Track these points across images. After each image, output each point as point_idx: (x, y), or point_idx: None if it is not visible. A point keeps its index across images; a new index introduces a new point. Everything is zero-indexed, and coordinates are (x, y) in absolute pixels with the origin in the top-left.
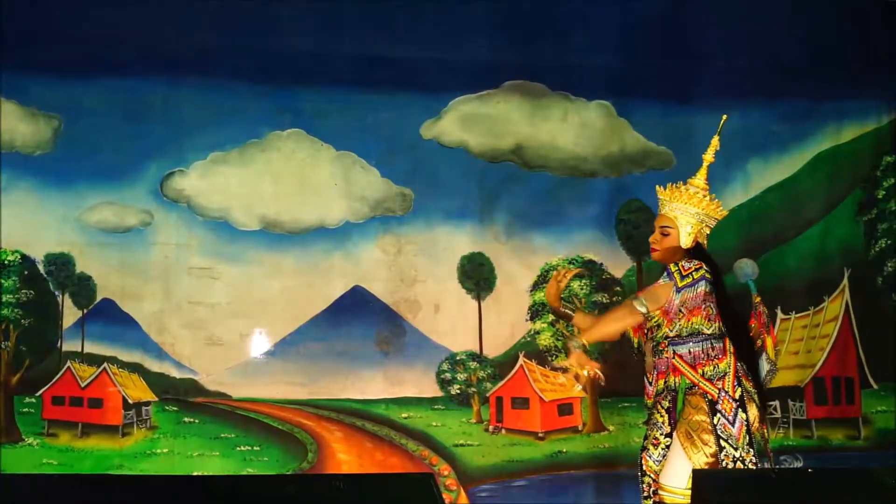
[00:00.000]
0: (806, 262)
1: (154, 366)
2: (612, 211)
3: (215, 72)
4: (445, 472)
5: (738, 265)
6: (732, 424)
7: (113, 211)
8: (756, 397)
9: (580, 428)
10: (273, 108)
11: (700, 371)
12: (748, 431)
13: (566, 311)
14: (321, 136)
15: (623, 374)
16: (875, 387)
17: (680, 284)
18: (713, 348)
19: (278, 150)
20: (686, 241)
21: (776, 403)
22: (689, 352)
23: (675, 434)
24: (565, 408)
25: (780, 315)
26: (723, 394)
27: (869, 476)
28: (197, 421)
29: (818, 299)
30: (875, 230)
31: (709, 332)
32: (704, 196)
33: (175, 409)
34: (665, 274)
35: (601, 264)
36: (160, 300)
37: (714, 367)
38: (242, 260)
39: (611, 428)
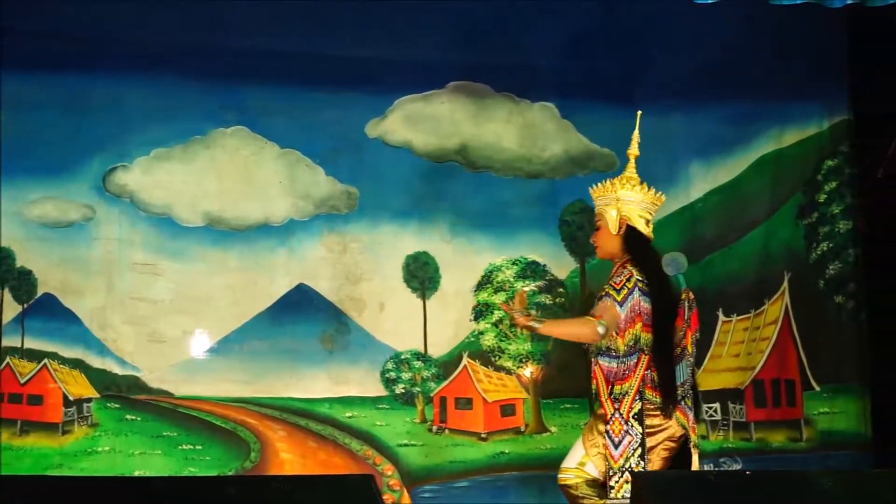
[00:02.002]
0: (748, 265)
1: (96, 362)
2: (556, 212)
3: (159, 68)
4: (389, 472)
5: (666, 259)
6: (616, 447)
7: (55, 205)
8: (664, 403)
9: (523, 429)
10: (217, 106)
11: (609, 388)
12: (641, 445)
13: (533, 322)
14: (265, 133)
15: (565, 375)
16: (817, 388)
17: (619, 299)
18: (625, 366)
19: (222, 148)
20: (614, 227)
21: (716, 406)
22: (607, 366)
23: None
24: (508, 409)
25: (721, 317)
26: (616, 415)
27: (806, 478)
28: (139, 418)
29: (760, 302)
30: (816, 233)
31: (624, 348)
32: (628, 181)
33: (117, 406)
34: (605, 296)
35: (545, 265)
36: (102, 296)
37: (620, 387)
38: (186, 256)
39: (553, 429)
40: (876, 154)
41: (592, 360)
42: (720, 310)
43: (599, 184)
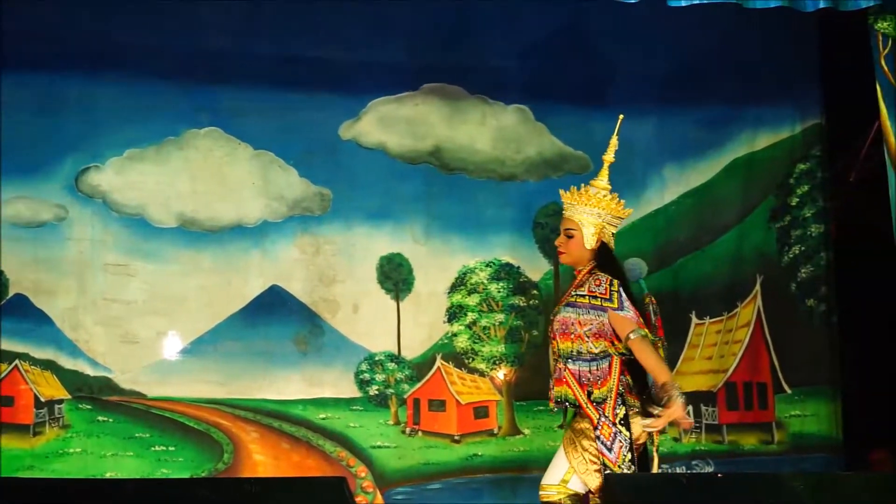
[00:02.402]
0: (721, 268)
1: (68, 363)
2: (530, 214)
3: (133, 68)
4: (362, 474)
5: (627, 265)
6: (610, 451)
7: (27, 205)
8: (643, 408)
9: (496, 431)
10: (191, 106)
11: (586, 391)
12: (630, 449)
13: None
14: (239, 135)
15: (538, 377)
16: (788, 391)
17: (616, 305)
18: (598, 369)
19: (196, 149)
20: (590, 242)
21: (689, 408)
22: (578, 370)
23: (562, 440)
24: (481, 411)
25: (694, 320)
26: (603, 419)
27: (778, 481)
28: (111, 420)
29: (732, 305)
30: (788, 237)
31: (596, 351)
32: (605, 195)
33: (89, 407)
34: (592, 309)
35: (519, 267)
36: (75, 296)
37: (598, 391)
38: (159, 257)
39: (526, 431)
40: (848, 158)
41: (560, 365)
42: (693, 312)
43: (574, 189)
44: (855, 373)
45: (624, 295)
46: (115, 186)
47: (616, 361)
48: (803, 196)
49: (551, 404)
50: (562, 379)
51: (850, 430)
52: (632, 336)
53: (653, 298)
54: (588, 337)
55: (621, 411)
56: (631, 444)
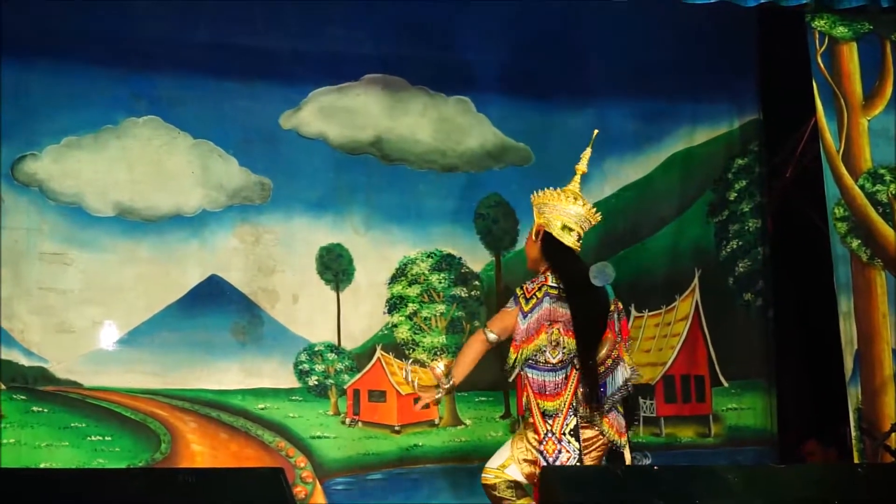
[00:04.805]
0: (660, 261)
1: (2, 353)
2: (471, 205)
3: (69, 55)
4: (302, 465)
5: (593, 271)
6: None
7: None
8: (591, 418)
9: (436, 422)
10: (129, 95)
11: (541, 405)
12: (580, 459)
13: (441, 390)
14: (178, 123)
15: (479, 368)
16: (725, 385)
17: (526, 309)
18: (553, 382)
19: (134, 137)
20: (532, 234)
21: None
22: (535, 378)
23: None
24: None
25: (634, 313)
26: (549, 435)
27: (712, 473)
28: (46, 410)
29: (671, 298)
30: (726, 231)
31: (554, 361)
32: (576, 199)
33: (23, 397)
34: (512, 299)
35: (460, 258)
36: (9, 285)
37: (552, 404)
38: (96, 246)
39: (467, 422)
40: (785, 154)
41: (523, 372)
42: (632, 305)
43: (548, 190)
44: (789, 367)
45: (544, 305)
46: (51, 174)
47: (573, 375)
48: (741, 191)
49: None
50: (523, 385)
51: (784, 423)
52: (485, 330)
53: (619, 304)
54: (546, 346)
55: (571, 422)
56: (580, 456)
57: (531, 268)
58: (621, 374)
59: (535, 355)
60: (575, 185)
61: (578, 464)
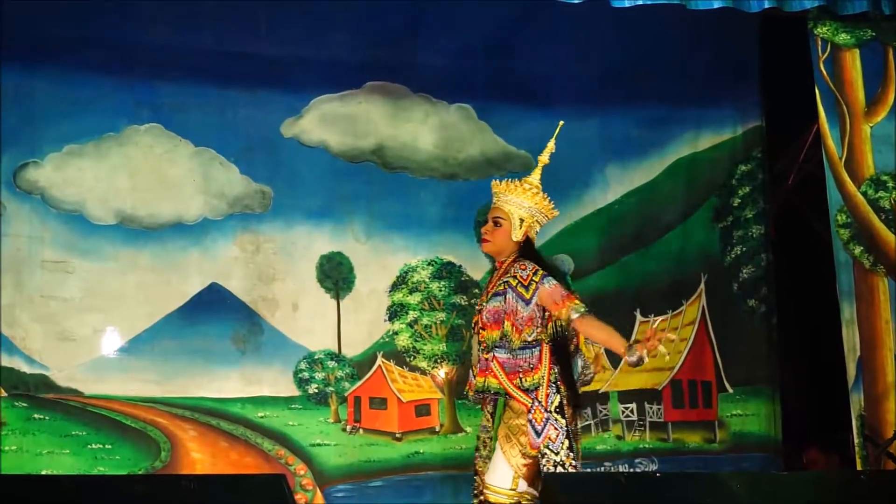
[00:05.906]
0: (665, 266)
1: (3, 360)
2: (472, 213)
3: (71, 63)
4: (302, 472)
5: (553, 261)
6: (539, 435)
7: None
8: (570, 401)
9: (437, 429)
10: (131, 102)
11: (516, 381)
12: (568, 436)
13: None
14: (179, 131)
15: None
16: (730, 391)
17: (528, 297)
18: (529, 358)
19: (136, 145)
20: (517, 235)
21: (633, 406)
22: (508, 359)
23: (497, 435)
24: (423, 408)
25: (639, 318)
26: (536, 404)
27: (716, 480)
28: (47, 418)
29: (677, 303)
30: (731, 237)
31: (530, 338)
32: (537, 193)
33: (25, 405)
34: (520, 297)
35: (460, 266)
36: (11, 293)
37: (530, 379)
38: (97, 254)
39: (468, 429)
40: (787, 161)
41: (486, 356)
42: (638, 310)
43: (508, 181)
44: (793, 373)
45: (543, 287)
46: (53, 182)
47: (546, 349)
48: (745, 197)
49: (469, 392)
50: (487, 369)
51: (788, 430)
52: (574, 316)
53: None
54: (522, 325)
55: (556, 399)
56: (569, 432)
57: (491, 252)
58: (580, 361)
59: (510, 335)
60: (536, 174)
61: (568, 440)
